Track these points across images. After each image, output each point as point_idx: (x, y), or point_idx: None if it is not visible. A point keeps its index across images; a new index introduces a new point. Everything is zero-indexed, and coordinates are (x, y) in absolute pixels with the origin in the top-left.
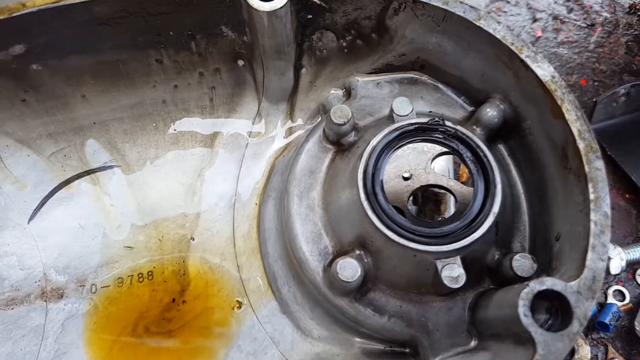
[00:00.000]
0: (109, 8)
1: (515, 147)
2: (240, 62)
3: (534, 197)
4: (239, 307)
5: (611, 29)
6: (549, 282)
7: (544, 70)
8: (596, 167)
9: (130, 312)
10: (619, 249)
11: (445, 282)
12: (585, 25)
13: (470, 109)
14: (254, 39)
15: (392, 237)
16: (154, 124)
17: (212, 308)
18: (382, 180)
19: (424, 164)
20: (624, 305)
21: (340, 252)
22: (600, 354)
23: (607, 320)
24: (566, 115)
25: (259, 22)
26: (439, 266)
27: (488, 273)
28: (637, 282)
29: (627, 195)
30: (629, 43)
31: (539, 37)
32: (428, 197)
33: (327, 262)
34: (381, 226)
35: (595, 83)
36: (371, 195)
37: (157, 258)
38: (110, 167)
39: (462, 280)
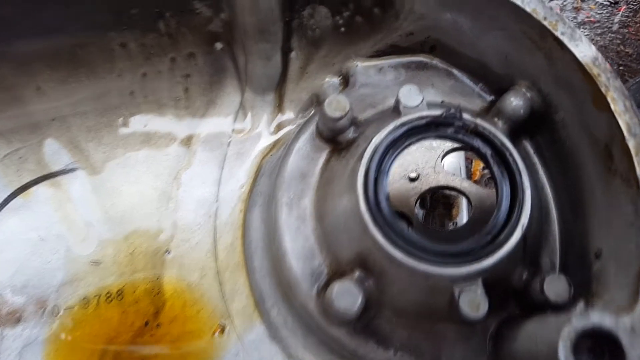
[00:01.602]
0: None
1: (543, 143)
2: (219, 45)
3: (566, 203)
4: (222, 332)
5: (637, 7)
6: (595, 318)
7: (584, 51)
8: None
9: (98, 337)
10: None
11: (464, 312)
12: (608, 3)
13: (489, 98)
14: (232, 17)
15: (398, 258)
16: (122, 119)
17: (191, 332)
18: (387, 187)
19: (433, 162)
20: None
21: (337, 272)
22: None
23: None
24: (612, 106)
25: None
26: (456, 291)
27: (514, 295)
28: None
29: None
30: None
31: None
32: (438, 199)
33: (321, 284)
34: (385, 243)
35: (621, 67)
36: (373, 205)
37: (128, 275)
38: (73, 170)
39: (484, 309)
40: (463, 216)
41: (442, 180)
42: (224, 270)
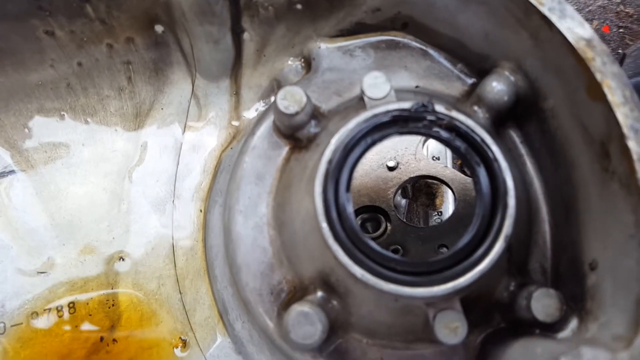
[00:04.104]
0: None
1: (532, 133)
2: (159, 28)
3: (558, 201)
4: (184, 346)
5: None
6: (588, 356)
7: (576, 30)
8: None
9: (49, 357)
10: None
11: (440, 336)
12: None
13: (470, 81)
14: None
15: (363, 277)
16: (61, 114)
17: (150, 348)
18: (349, 195)
19: (413, 148)
20: None
21: (299, 289)
22: None
23: None
24: (609, 97)
25: None
26: (431, 314)
27: (499, 309)
28: None
29: None
30: None
31: None
32: (420, 188)
33: (281, 303)
34: (348, 261)
35: (620, 30)
36: (334, 218)
37: (80, 285)
38: (12, 172)
39: (463, 333)
40: (448, 206)
41: (424, 169)
42: (184, 278)
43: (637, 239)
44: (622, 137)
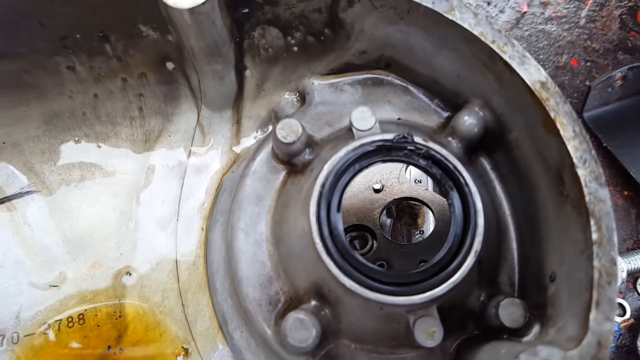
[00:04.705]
0: None
1: (500, 161)
2: (170, 65)
3: (523, 221)
4: (186, 355)
5: (603, 1)
6: (544, 353)
7: (533, 74)
8: (600, 198)
9: None
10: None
11: (420, 340)
12: None
13: (445, 114)
14: (179, 40)
15: (352, 287)
16: (76, 140)
17: (154, 357)
18: (339, 215)
19: (397, 172)
20: (624, 321)
21: (295, 299)
22: None
23: None
24: (561, 131)
25: (180, 22)
26: (411, 320)
27: (471, 317)
28: (638, 293)
29: (626, 193)
30: (623, 16)
31: (525, 12)
32: (403, 209)
33: (278, 312)
34: (339, 273)
35: (588, 63)
36: (326, 234)
37: (89, 298)
38: (29, 193)
39: (440, 337)
40: (429, 225)
41: (406, 191)
42: (186, 291)
43: (586, 254)
44: (572, 166)
